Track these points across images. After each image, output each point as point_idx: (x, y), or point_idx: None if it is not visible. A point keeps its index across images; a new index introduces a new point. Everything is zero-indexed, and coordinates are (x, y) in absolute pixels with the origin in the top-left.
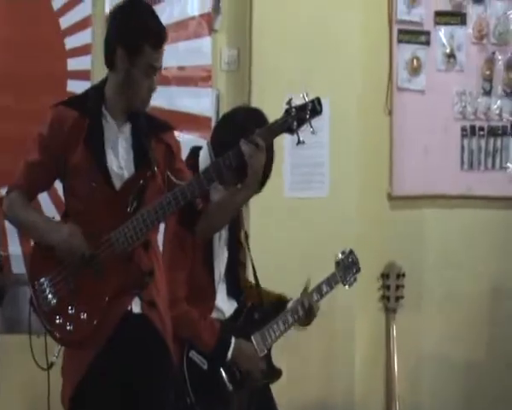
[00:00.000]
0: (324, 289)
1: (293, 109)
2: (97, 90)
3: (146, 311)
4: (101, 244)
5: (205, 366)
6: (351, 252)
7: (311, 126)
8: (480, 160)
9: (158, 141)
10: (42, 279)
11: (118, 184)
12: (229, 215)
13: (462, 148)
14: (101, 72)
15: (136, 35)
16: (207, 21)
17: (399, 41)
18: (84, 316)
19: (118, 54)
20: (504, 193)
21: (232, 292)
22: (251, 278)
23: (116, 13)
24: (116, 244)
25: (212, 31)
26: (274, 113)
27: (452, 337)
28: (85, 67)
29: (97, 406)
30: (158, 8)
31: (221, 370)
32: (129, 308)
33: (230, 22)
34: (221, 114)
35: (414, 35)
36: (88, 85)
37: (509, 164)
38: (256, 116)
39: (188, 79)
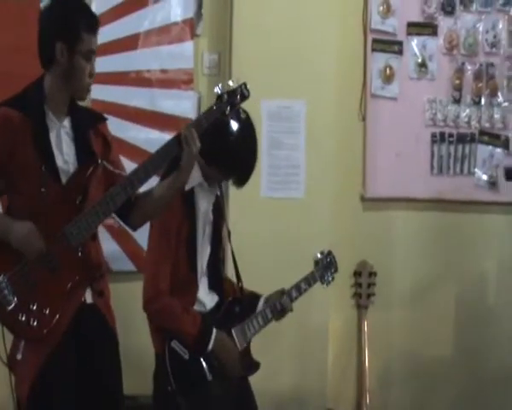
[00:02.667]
0: (303, 286)
1: (225, 95)
2: (36, 90)
3: (96, 300)
4: (55, 239)
5: (186, 356)
6: (329, 253)
7: (241, 110)
8: (449, 165)
9: (95, 132)
10: (0, 278)
11: (64, 178)
12: (162, 203)
13: (432, 153)
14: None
15: (72, 26)
16: (189, 27)
17: (373, 50)
18: (46, 311)
19: (57, 49)
20: (472, 197)
21: (213, 286)
22: (230, 274)
23: (47, 12)
24: (70, 237)
25: (194, 36)
26: (253, 113)
27: (420, 333)
28: None
29: (57, 392)
30: (142, 14)
31: (201, 360)
32: (82, 299)
33: (212, 28)
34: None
35: (387, 45)
36: None
37: (476, 170)
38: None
39: (170, 81)
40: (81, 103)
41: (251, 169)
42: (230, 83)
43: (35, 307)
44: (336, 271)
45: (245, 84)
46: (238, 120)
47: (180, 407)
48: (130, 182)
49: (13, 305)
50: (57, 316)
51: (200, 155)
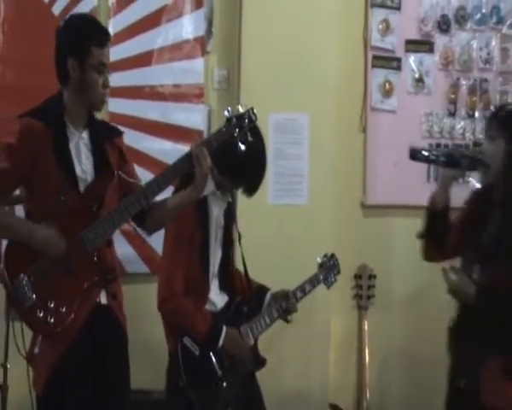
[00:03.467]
0: (307, 288)
1: (234, 119)
2: (56, 101)
3: (110, 302)
4: (73, 243)
5: (197, 352)
6: (332, 255)
7: (249, 133)
8: None
9: (111, 145)
10: (20, 277)
11: (82, 186)
12: (176, 212)
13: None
14: None
15: (81, 41)
16: (200, 44)
17: (373, 66)
18: (63, 309)
19: (69, 64)
20: None
21: (224, 287)
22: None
23: (60, 30)
24: (87, 242)
25: (204, 52)
26: (260, 125)
27: (417, 333)
28: None
29: (72, 388)
30: (155, 32)
31: (211, 356)
32: (97, 300)
33: (221, 45)
34: (212, 129)
35: (386, 61)
36: None
37: (470, 178)
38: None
39: (182, 95)
40: (99, 116)
41: (260, 180)
42: (239, 108)
43: (52, 305)
44: (339, 273)
45: (252, 109)
46: (246, 142)
47: (191, 400)
48: (143, 194)
49: (32, 302)
50: (73, 314)
51: (214, 165)
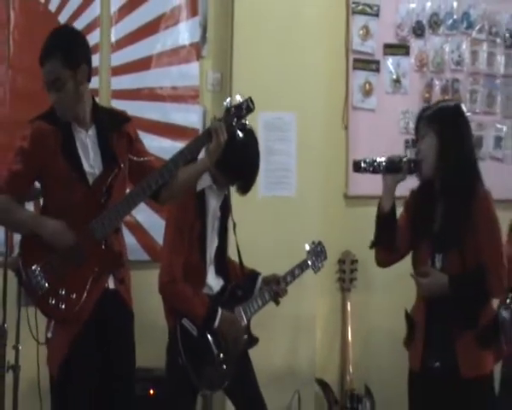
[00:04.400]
0: (296, 272)
1: (232, 108)
2: None
3: (118, 287)
4: (82, 233)
5: (195, 332)
6: (319, 243)
7: (246, 121)
8: None
9: (119, 134)
10: (33, 267)
11: (90, 180)
12: (190, 182)
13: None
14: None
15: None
16: (196, 49)
17: (354, 68)
18: (73, 296)
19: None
20: None
21: (219, 271)
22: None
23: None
24: (95, 232)
25: (199, 57)
26: (251, 124)
27: (395, 312)
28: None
29: (84, 368)
30: (154, 39)
31: (208, 336)
32: (106, 286)
33: (215, 50)
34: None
35: (366, 63)
36: None
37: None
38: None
39: (179, 97)
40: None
41: (253, 180)
42: (238, 97)
43: (63, 292)
44: (326, 258)
45: (250, 99)
46: (244, 131)
47: (190, 377)
48: (148, 184)
49: (44, 290)
50: (82, 301)
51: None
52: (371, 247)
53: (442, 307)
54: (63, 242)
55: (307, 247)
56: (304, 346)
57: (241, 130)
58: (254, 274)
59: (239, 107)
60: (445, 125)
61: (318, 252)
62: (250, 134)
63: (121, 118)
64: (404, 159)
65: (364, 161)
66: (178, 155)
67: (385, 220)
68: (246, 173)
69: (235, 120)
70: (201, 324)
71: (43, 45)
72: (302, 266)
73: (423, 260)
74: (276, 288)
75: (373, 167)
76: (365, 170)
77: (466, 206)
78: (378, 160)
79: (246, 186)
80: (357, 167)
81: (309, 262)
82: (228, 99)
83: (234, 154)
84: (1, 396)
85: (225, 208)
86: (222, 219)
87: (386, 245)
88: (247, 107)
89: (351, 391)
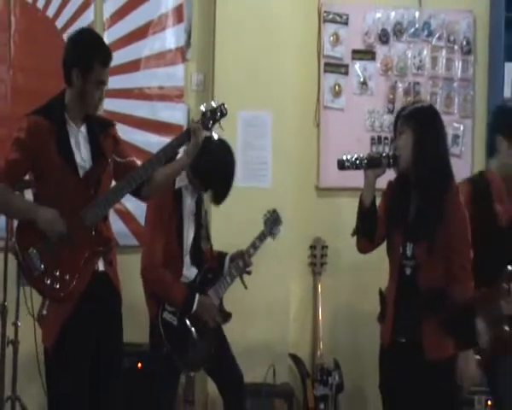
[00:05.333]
0: (257, 243)
1: (208, 112)
2: (59, 101)
3: (107, 269)
4: (74, 220)
5: (175, 322)
6: (274, 210)
7: (220, 125)
8: None
9: (106, 135)
10: (30, 250)
11: (81, 172)
12: (170, 179)
13: (372, 152)
14: None
15: (87, 57)
16: (181, 53)
17: (325, 71)
18: (67, 277)
19: (74, 73)
20: None
21: (194, 261)
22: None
23: (70, 41)
24: (86, 219)
25: (184, 60)
26: (231, 121)
27: (361, 293)
28: None
29: (76, 343)
30: (143, 43)
31: (187, 323)
32: (96, 268)
33: (198, 54)
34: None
35: (336, 67)
36: None
37: None
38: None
39: (165, 96)
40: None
41: (226, 193)
42: (213, 103)
43: (58, 273)
44: (281, 224)
45: (223, 104)
46: (219, 140)
47: (174, 362)
48: (133, 178)
49: (40, 271)
50: (75, 281)
51: (189, 168)
52: (353, 235)
53: (411, 289)
54: (56, 228)
55: (263, 217)
56: (278, 324)
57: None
58: (222, 255)
59: (214, 111)
60: (420, 124)
61: (274, 219)
62: (228, 151)
63: (107, 122)
64: (384, 154)
65: (347, 160)
66: (161, 152)
67: (366, 212)
68: (218, 185)
69: (211, 122)
70: (181, 309)
71: (107, 49)
72: (261, 237)
73: (396, 248)
74: (242, 262)
75: (355, 165)
76: (348, 167)
77: (438, 199)
78: (360, 156)
79: (218, 197)
80: (341, 165)
81: (266, 232)
82: (204, 104)
83: (209, 164)
84: (1, 369)
85: (200, 202)
86: (197, 212)
87: (367, 234)
88: (220, 111)
89: (321, 365)
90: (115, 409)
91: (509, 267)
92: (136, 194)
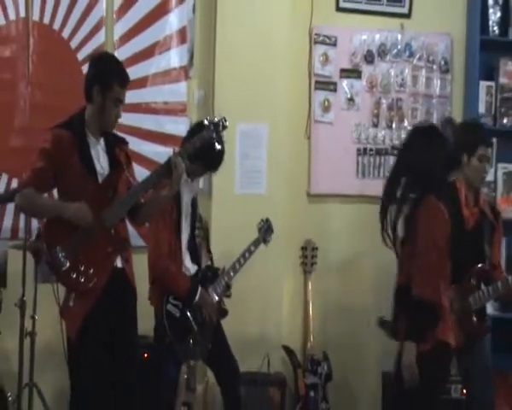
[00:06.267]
0: (252, 249)
1: (211, 125)
2: (79, 117)
3: (124, 265)
4: (95, 222)
5: (177, 314)
6: (267, 220)
7: (222, 136)
8: (369, 171)
9: (120, 150)
10: (57, 248)
11: (100, 179)
12: (159, 207)
13: (358, 162)
14: None
15: (108, 77)
16: (184, 71)
17: (316, 88)
18: (90, 271)
19: (94, 90)
20: None
21: (194, 260)
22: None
23: (93, 61)
24: (106, 220)
25: (187, 78)
26: (230, 133)
27: (348, 290)
28: None
29: (98, 332)
30: (149, 62)
31: (188, 315)
32: (115, 264)
33: (200, 72)
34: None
35: (325, 84)
36: None
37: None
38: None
39: (170, 110)
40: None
41: (219, 162)
42: (215, 118)
43: (82, 269)
44: (273, 232)
45: (225, 118)
46: (220, 142)
47: (175, 351)
48: (146, 183)
49: (66, 267)
50: (97, 275)
51: (187, 159)
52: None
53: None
54: (84, 218)
55: (258, 225)
56: (272, 318)
57: (218, 142)
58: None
59: (216, 124)
60: (409, 143)
61: (267, 228)
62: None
63: (121, 139)
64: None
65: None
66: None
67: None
68: (214, 160)
69: (214, 134)
70: (185, 297)
71: (125, 73)
72: (255, 243)
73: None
74: (238, 264)
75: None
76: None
77: (413, 213)
78: None
79: (214, 168)
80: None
81: (260, 238)
82: (208, 117)
83: (209, 150)
84: (20, 358)
85: (195, 207)
86: (192, 215)
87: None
88: (222, 124)
89: (311, 356)
90: (131, 397)
91: (478, 265)
92: (133, 220)
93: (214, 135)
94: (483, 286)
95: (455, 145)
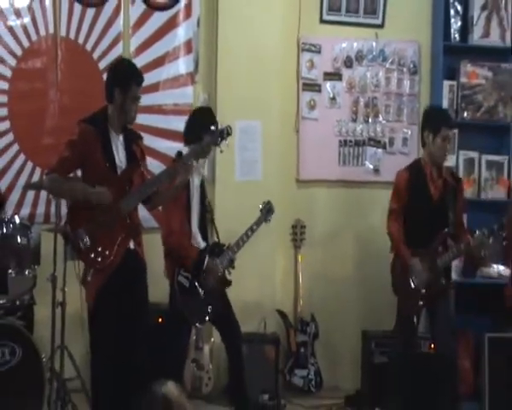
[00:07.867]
0: (254, 228)
1: (218, 132)
2: (102, 114)
3: (136, 247)
4: (113, 210)
5: (187, 284)
6: (268, 202)
7: (227, 141)
8: (349, 160)
9: (136, 145)
10: (79, 230)
11: (118, 171)
12: (171, 196)
13: (339, 152)
14: None
15: (126, 78)
16: (190, 77)
17: (303, 90)
18: (107, 252)
19: (116, 92)
20: (363, 179)
21: (204, 238)
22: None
23: (113, 67)
24: (123, 208)
25: (193, 83)
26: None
27: (332, 262)
28: None
29: (112, 301)
30: (161, 69)
31: (196, 284)
32: (128, 246)
33: (204, 77)
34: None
35: (311, 86)
36: None
37: (366, 162)
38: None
39: (179, 111)
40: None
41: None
42: (221, 125)
43: (100, 249)
44: (273, 212)
45: (229, 126)
46: (225, 146)
47: (186, 316)
48: (159, 177)
49: (87, 247)
50: (113, 255)
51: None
52: None
53: None
54: (105, 198)
55: (260, 206)
56: (268, 287)
57: (220, 147)
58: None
59: (222, 131)
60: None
61: (268, 209)
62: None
63: (137, 135)
64: None
65: None
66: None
67: None
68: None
69: (219, 140)
70: (194, 266)
71: (140, 73)
72: (258, 223)
73: None
74: (241, 241)
75: None
76: None
77: None
78: None
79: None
80: None
81: (262, 218)
82: (214, 125)
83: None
84: (52, 325)
85: (203, 189)
86: (201, 197)
87: None
88: (227, 132)
89: (301, 318)
90: (142, 353)
91: (445, 230)
92: (146, 204)
93: (218, 141)
94: (449, 247)
95: (421, 126)
